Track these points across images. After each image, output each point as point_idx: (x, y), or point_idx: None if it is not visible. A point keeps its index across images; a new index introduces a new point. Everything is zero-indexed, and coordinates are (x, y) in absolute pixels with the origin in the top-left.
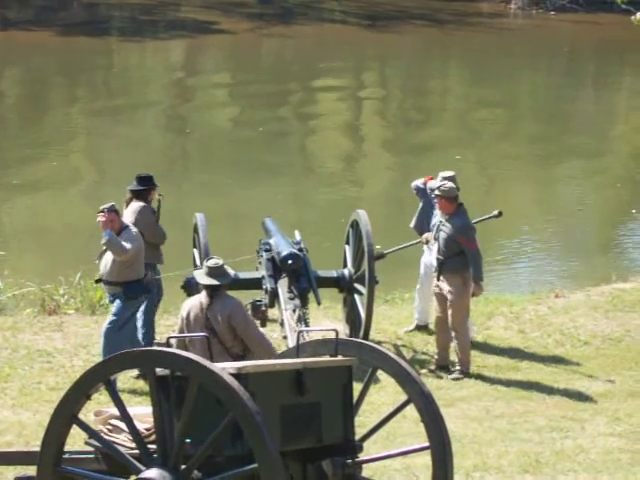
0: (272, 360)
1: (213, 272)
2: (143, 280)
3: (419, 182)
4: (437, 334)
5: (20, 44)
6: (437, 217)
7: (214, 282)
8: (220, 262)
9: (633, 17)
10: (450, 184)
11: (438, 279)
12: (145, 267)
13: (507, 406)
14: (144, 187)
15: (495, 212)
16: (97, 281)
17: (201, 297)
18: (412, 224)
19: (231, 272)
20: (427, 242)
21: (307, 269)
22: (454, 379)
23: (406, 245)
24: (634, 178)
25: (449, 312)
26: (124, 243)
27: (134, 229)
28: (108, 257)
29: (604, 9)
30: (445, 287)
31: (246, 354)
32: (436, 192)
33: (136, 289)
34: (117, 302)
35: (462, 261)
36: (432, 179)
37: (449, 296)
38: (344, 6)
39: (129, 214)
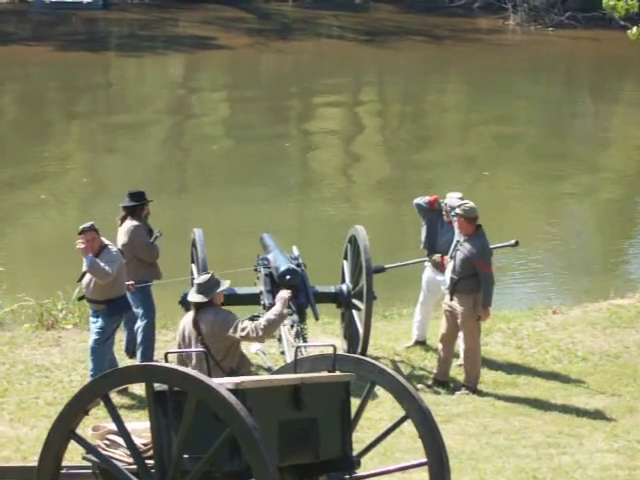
0: (270, 376)
1: (200, 288)
2: (126, 296)
3: (422, 200)
4: (440, 349)
5: (19, 59)
6: (451, 235)
7: (200, 299)
8: (208, 276)
9: (629, 31)
10: (471, 204)
11: (451, 298)
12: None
13: (505, 422)
14: (136, 203)
15: (512, 241)
16: (80, 298)
17: (194, 312)
18: (422, 245)
19: (224, 283)
20: (435, 264)
21: (305, 284)
22: (462, 394)
23: (408, 262)
24: (632, 195)
25: (462, 332)
26: (105, 267)
27: (113, 248)
28: (90, 277)
29: (602, 25)
30: (457, 307)
31: (239, 368)
32: (457, 211)
33: (119, 306)
34: (100, 319)
35: (475, 282)
36: (438, 199)
37: (461, 317)
38: (342, 22)
39: (122, 234)
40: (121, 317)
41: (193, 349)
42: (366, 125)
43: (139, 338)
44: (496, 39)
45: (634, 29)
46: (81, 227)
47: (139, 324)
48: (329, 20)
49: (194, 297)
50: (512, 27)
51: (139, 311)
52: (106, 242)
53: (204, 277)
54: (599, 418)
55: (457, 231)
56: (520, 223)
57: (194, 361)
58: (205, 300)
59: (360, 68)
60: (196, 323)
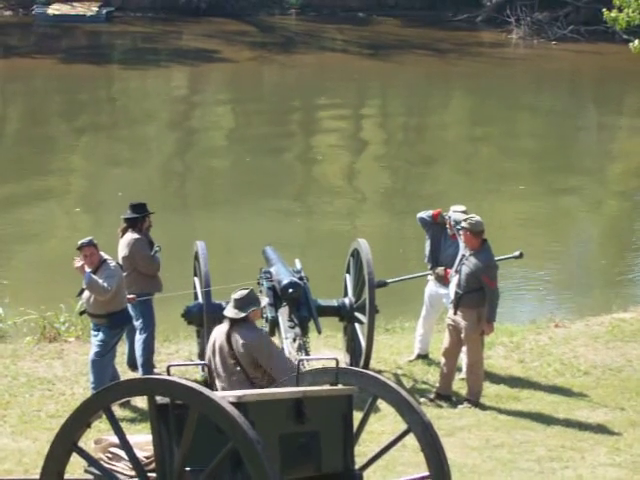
0: (272, 389)
1: (237, 304)
2: (127, 309)
3: (425, 214)
4: (443, 363)
5: (22, 71)
6: (454, 249)
7: (234, 314)
8: (246, 292)
9: (631, 44)
10: (477, 218)
11: (455, 312)
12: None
13: (507, 436)
14: (137, 215)
15: (516, 253)
16: (81, 313)
17: (227, 326)
18: (426, 259)
19: (259, 300)
20: (438, 277)
21: (307, 298)
22: (464, 408)
23: (411, 277)
24: (636, 210)
25: (465, 346)
26: (104, 283)
27: (112, 263)
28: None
29: (605, 39)
30: (461, 321)
31: (270, 385)
32: (463, 224)
33: (120, 319)
34: (101, 332)
35: (480, 296)
36: (441, 212)
37: (464, 331)
38: (346, 35)
39: (123, 246)
40: (122, 330)
41: (197, 362)
42: (369, 139)
43: (139, 351)
44: (499, 53)
45: (636, 42)
46: (80, 242)
47: (139, 337)
48: (332, 33)
49: (229, 312)
50: (515, 41)
51: (139, 324)
52: (105, 257)
53: (242, 292)
54: (601, 432)
55: (462, 245)
56: (522, 237)
57: (223, 374)
58: (240, 316)
59: (363, 82)
60: (229, 337)
